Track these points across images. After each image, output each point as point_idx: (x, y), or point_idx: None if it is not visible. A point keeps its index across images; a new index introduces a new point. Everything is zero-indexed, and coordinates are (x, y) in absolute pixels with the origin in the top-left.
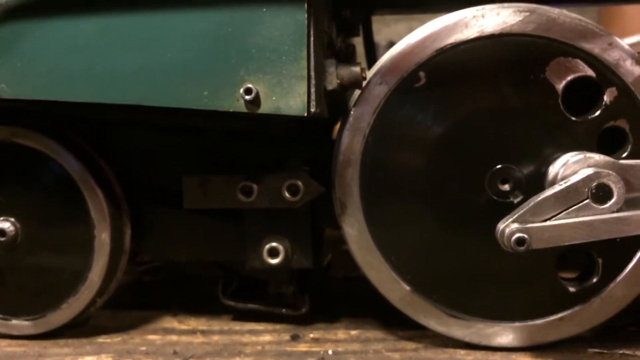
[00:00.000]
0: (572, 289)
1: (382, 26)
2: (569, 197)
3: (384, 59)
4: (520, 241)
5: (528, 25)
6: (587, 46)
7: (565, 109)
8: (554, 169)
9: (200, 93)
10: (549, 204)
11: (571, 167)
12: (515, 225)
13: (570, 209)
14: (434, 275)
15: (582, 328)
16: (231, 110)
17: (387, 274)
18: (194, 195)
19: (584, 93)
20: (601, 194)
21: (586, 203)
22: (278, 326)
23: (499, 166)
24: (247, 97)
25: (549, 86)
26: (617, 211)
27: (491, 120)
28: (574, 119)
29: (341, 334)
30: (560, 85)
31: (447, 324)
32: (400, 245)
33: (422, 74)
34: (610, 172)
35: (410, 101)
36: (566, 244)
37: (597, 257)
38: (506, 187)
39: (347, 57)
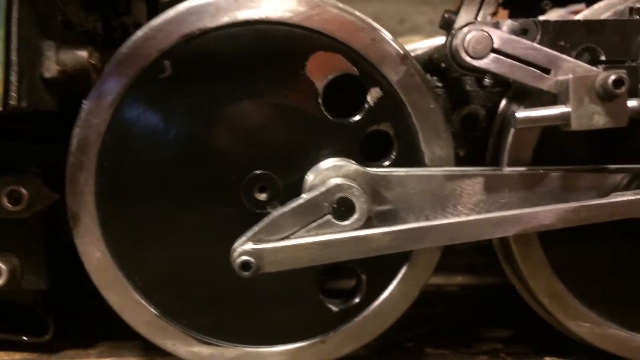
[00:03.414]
0: (335, 309)
1: None
2: (309, 213)
3: (124, 45)
4: (245, 265)
5: (285, 13)
6: (350, 40)
7: (329, 110)
8: (309, 178)
9: None
10: (287, 221)
11: (321, 175)
12: (249, 246)
13: (309, 226)
14: (184, 298)
15: (346, 350)
16: None
17: (130, 296)
18: None
19: (352, 94)
20: (343, 209)
21: (327, 219)
22: (17, 356)
23: (255, 172)
24: None
25: (309, 83)
26: (361, 228)
27: (246, 119)
28: (334, 121)
29: None
30: (321, 83)
31: (200, 352)
32: (145, 264)
33: (167, 63)
34: (352, 184)
35: (153, 95)
36: (304, 266)
37: (361, 274)
38: (264, 196)
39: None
